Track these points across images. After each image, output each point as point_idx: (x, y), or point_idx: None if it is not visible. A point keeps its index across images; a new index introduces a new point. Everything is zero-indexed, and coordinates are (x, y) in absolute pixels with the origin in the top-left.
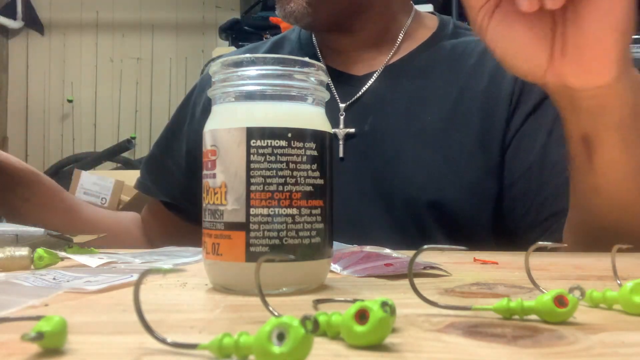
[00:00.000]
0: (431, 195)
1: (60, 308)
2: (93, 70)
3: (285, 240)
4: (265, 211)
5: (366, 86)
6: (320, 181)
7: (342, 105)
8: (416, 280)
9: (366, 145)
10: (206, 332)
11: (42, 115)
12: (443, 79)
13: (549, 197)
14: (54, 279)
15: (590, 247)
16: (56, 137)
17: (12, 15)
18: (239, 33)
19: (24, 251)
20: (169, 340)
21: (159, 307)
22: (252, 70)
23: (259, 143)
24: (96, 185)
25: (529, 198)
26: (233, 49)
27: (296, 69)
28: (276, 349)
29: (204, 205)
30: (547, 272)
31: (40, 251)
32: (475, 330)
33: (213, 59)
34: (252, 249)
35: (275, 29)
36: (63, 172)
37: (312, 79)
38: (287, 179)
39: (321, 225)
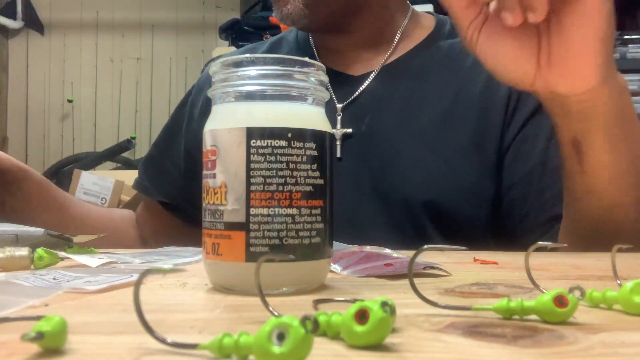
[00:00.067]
0: (428, 195)
1: (60, 308)
2: (93, 70)
3: (285, 240)
4: (265, 211)
5: (363, 86)
6: (320, 181)
7: (339, 106)
8: (416, 280)
9: (363, 145)
10: (206, 332)
11: (42, 115)
12: (440, 79)
13: (549, 201)
14: (54, 279)
15: (584, 248)
16: (56, 137)
17: (12, 15)
18: (239, 33)
19: (24, 251)
20: (169, 340)
21: (159, 307)
22: (252, 70)
23: (259, 143)
24: (96, 185)
25: (529, 201)
26: (233, 49)
27: (296, 69)
28: (276, 349)
29: (203, 205)
30: (547, 272)
31: (40, 251)
32: (475, 330)
33: (213, 59)
34: (252, 249)
35: (275, 29)
36: (63, 172)
37: (312, 79)
38: (287, 179)
39: (321, 225)
